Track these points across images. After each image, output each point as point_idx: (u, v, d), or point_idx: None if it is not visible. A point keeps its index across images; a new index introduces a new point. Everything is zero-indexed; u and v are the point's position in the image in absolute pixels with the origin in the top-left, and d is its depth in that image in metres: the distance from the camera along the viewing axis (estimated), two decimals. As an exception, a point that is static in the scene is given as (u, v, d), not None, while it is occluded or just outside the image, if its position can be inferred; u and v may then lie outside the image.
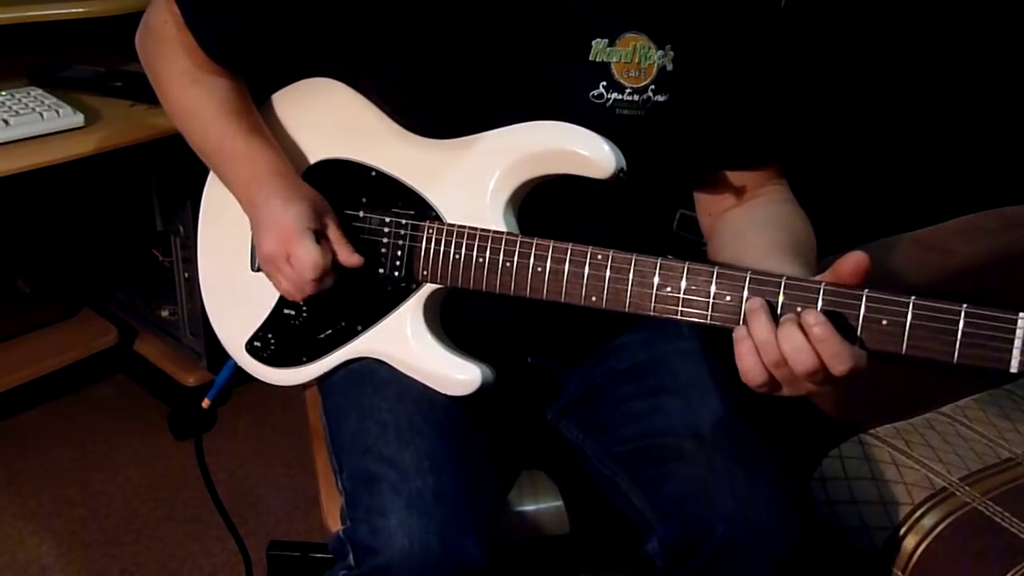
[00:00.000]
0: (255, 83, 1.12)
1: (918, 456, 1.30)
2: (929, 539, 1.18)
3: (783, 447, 1.05)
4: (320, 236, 1.00)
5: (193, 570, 1.67)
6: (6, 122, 1.43)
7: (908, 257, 1.41)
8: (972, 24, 1.74)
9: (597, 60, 0.98)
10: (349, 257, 1.02)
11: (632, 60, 0.99)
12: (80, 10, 1.61)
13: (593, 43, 0.98)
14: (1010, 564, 1.13)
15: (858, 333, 0.82)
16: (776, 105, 1.07)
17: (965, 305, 0.79)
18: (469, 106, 1.01)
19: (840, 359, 0.80)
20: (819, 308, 0.83)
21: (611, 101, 0.99)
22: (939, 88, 1.79)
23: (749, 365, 0.83)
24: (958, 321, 0.79)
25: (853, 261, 0.82)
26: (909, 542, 1.19)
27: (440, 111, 1.02)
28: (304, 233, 0.98)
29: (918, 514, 1.21)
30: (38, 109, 1.48)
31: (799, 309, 0.83)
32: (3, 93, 1.52)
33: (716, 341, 1.07)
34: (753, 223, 1.06)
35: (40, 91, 1.55)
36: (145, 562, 1.68)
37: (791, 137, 1.09)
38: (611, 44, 0.98)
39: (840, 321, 0.82)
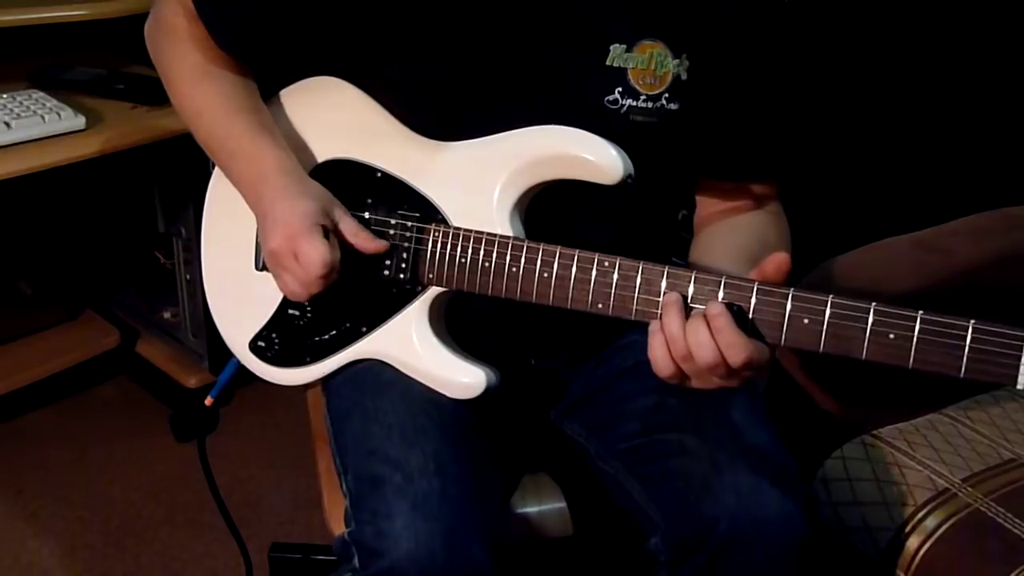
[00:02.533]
0: (262, 80, 1.12)
1: (921, 457, 1.30)
2: (932, 540, 1.19)
3: (786, 448, 1.05)
4: (328, 232, 0.99)
5: (195, 572, 1.67)
6: (7, 125, 1.44)
7: (910, 258, 1.41)
8: (975, 24, 1.74)
9: (614, 65, 0.99)
10: (371, 243, 1.01)
11: (648, 67, 0.99)
12: (81, 12, 1.61)
13: (611, 48, 0.98)
14: (1013, 565, 1.13)
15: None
16: (776, 123, 1.09)
17: (973, 321, 0.80)
18: (481, 108, 1.01)
19: (735, 350, 0.84)
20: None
21: (626, 107, 1.00)
22: (941, 88, 1.79)
23: (658, 357, 0.88)
24: (965, 336, 0.79)
25: (775, 262, 0.87)
26: (912, 543, 1.19)
27: (451, 113, 1.02)
28: (312, 229, 0.97)
29: (921, 515, 1.21)
30: (39, 112, 1.48)
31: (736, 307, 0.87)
32: (4, 96, 1.52)
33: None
34: (729, 228, 1.09)
35: (41, 93, 1.55)
36: (147, 564, 1.68)
37: (785, 156, 1.11)
38: (629, 50, 0.99)
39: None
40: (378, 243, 1.01)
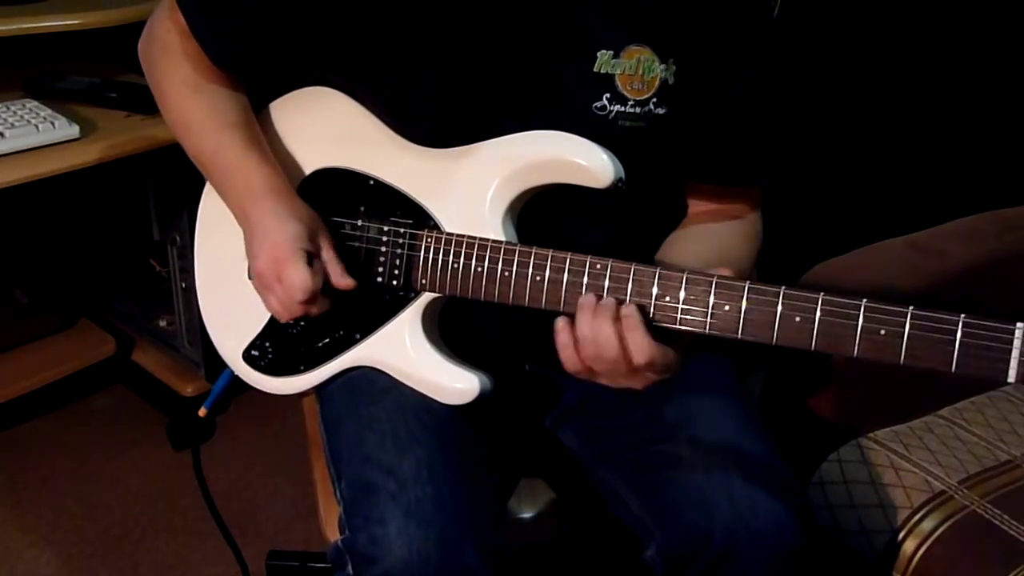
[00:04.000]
0: (254, 91, 1.12)
1: (916, 459, 1.30)
2: (928, 543, 1.19)
3: (781, 452, 1.05)
4: (313, 257, 1.00)
5: (193, 580, 1.67)
6: (1, 135, 1.44)
7: (904, 260, 1.41)
8: (969, 26, 1.74)
9: (602, 71, 0.99)
10: (341, 279, 1.01)
11: (636, 72, 0.99)
12: (75, 22, 1.61)
13: (598, 54, 0.98)
14: (1010, 567, 1.13)
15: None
16: (764, 126, 1.08)
17: (963, 315, 0.80)
18: (471, 116, 1.01)
19: (640, 350, 0.87)
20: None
21: (614, 113, 1.00)
22: (935, 90, 1.79)
23: (566, 357, 0.92)
24: (956, 331, 0.79)
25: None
26: (908, 546, 1.19)
27: (441, 121, 1.02)
28: (296, 254, 0.97)
29: (917, 518, 1.21)
30: (33, 121, 1.48)
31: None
32: (-2, 105, 1.52)
33: (715, 349, 1.07)
34: (695, 234, 1.10)
35: (35, 103, 1.55)
36: (145, 573, 1.67)
37: (772, 160, 1.10)
38: (616, 56, 0.99)
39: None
40: (346, 281, 1.02)
